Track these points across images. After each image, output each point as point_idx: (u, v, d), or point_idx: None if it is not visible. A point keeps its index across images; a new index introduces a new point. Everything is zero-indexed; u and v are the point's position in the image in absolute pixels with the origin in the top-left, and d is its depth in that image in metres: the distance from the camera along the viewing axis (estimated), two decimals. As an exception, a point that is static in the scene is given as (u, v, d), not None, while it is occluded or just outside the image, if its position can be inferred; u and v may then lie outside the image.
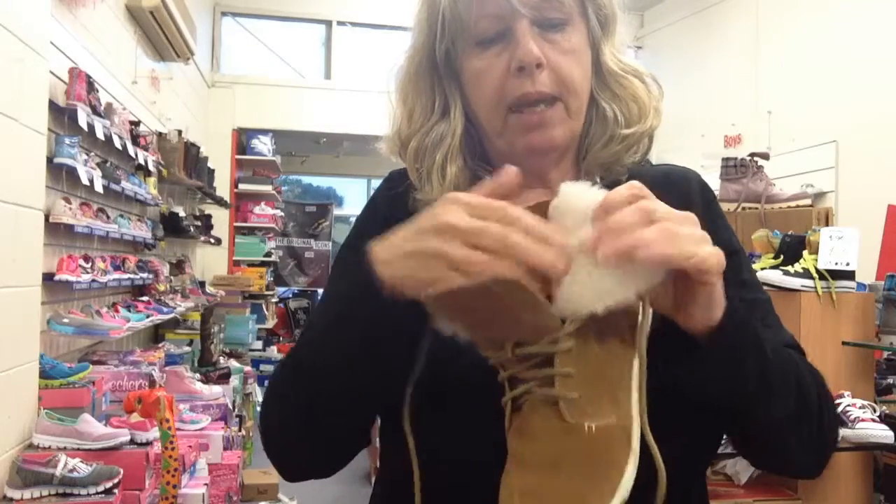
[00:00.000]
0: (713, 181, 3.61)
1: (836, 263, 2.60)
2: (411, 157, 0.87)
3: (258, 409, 5.58)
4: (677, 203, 0.85)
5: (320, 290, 1.05)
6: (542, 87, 0.79)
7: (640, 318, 0.61)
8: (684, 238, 0.59)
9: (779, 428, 0.74)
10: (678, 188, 0.88)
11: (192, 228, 4.88)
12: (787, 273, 2.61)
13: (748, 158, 3.38)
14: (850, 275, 2.64)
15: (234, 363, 4.61)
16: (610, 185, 0.86)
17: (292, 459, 0.80)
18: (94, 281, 2.85)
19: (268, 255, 7.31)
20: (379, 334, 0.66)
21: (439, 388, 0.72)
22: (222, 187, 6.38)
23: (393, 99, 0.91)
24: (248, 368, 5.02)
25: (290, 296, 8.85)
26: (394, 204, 0.88)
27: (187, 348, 4.15)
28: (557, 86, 0.80)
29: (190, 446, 2.60)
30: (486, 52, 0.81)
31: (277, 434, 0.79)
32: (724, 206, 3.36)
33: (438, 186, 0.84)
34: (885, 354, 3.05)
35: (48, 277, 2.56)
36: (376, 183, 1.14)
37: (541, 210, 0.63)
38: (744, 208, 3.31)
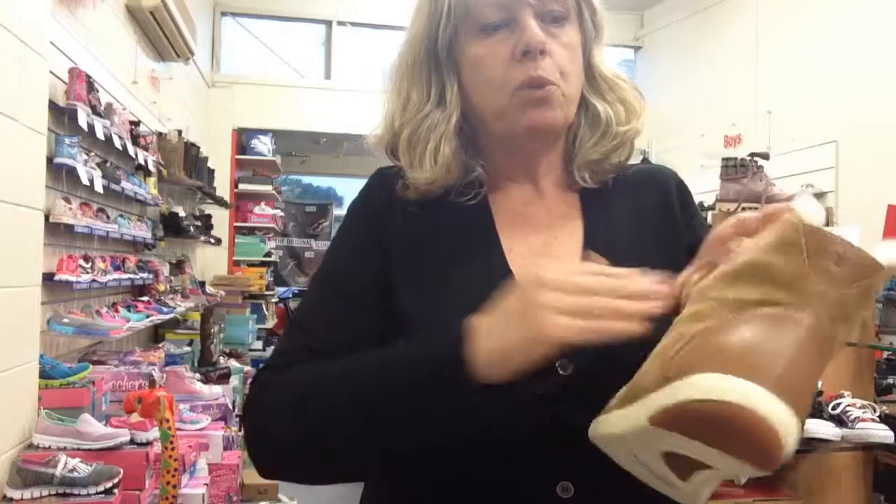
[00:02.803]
0: (713, 181, 3.61)
1: (836, 263, 2.60)
2: (404, 144, 0.88)
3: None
4: (656, 200, 0.90)
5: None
6: (544, 72, 0.81)
7: None
8: None
9: None
10: (657, 186, 0.91)
11: (192, 228, 4.88)
12: (787, 273, 2.61)
13: (748, 158, 3.38)
14: (850, 275, 2.63)
15: (234, 363, 4.60)
16: (598, 184, 0.90)
17: (291, 473, 0.79)
18: (94, 281, 2.85)
19: (268, 255, 7.30)
20: (456, 430, 0.67)
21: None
22: (222, 187, 6.37)
23: (387, 92, 0.92)
24: (248, 368, 5.01)
25: (290, 296, 8.85)
26: (386, 195, 0.89)
27: (187, 348, 4.15)
28: (557, 75, 0.82)
29: (190, 446, 2.60)
30: (490, 39, 0.83)
31: (283, 449, 0.76)
32: (724, 206, 3.36)
33: (430, 168, 0.85)
34: (885, 354, 3.05)
35: (48, 277, 2.56)
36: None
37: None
38: (744, 208, 3.31)
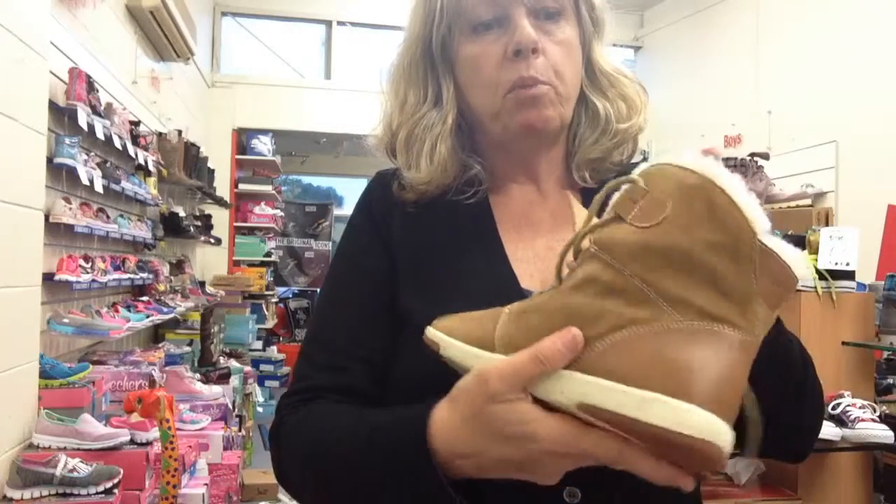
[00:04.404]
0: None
1: (836, 263, 2.61)
2: (402, 144, 0.88)
3: (258, 409, 5.52)
4: None
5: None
6: (536, 72, 0.80)
7: None
8: None
9: (790, 416, 0.76)
10: None
11: (192, 228, 4.88)
12: (787, 273, 2.61)
13: (748, 158, 3.38)
14: (850, 275, 2.64)
15: (234, 363, 4.60)
16: (599, 184, 0.88)
17: None
18: (94, 281, 2.85)
19: (268, 255, 7.31)
20: None
21: None
22: (222, 187, 6.38)
23: (385, 93, 0.91)
24: (248, 368, 5.01)
25: (290, 296, 8.85)
26: (385, 197, 0.88)
27: (187, 348, 4.15)
28: (550, 74, 0.81)
29: (190, 446, 2.60)
30: (483, 38, 0.83)
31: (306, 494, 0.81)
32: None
33: (427, 167, 0.85)
34: (885, 354, 3.05)
35: (48, 277, 2.56)
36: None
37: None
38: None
